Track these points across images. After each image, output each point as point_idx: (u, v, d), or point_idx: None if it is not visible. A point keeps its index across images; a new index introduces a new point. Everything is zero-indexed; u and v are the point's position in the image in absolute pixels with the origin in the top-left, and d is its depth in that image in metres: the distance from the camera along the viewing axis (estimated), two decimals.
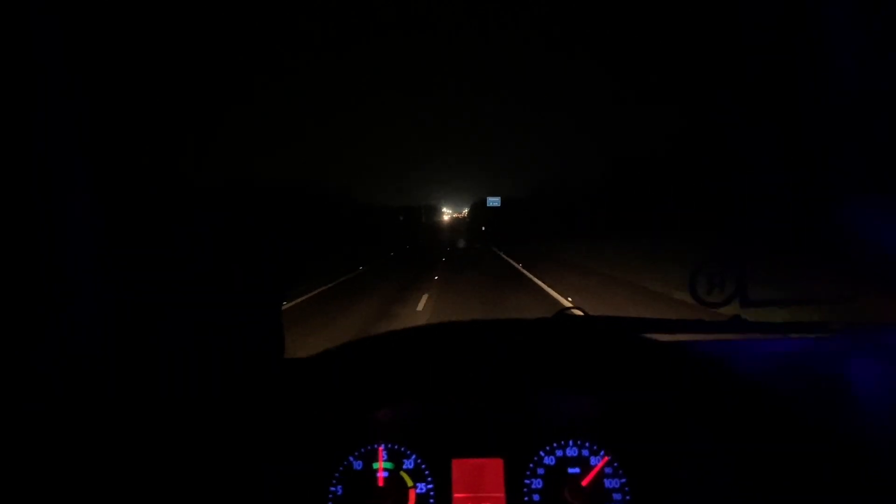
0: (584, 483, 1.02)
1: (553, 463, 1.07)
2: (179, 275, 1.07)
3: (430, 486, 1.06)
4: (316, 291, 13.17)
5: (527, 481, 1.05)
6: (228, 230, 1.17)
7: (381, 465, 1.08)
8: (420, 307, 10.16)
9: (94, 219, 0.94)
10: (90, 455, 0.91)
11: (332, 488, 1.07)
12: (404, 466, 1.08)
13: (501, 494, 1.04)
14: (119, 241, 0.99)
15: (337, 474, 1.08)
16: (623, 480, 1.04)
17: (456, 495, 1.05)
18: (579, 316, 1.29)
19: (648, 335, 1.26)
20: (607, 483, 1.04)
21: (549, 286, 11.86)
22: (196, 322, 1.10)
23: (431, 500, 1.05)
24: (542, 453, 1.07)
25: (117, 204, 0.97)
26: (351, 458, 1.09)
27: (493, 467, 1.07)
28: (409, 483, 1.07)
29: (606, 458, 1.05)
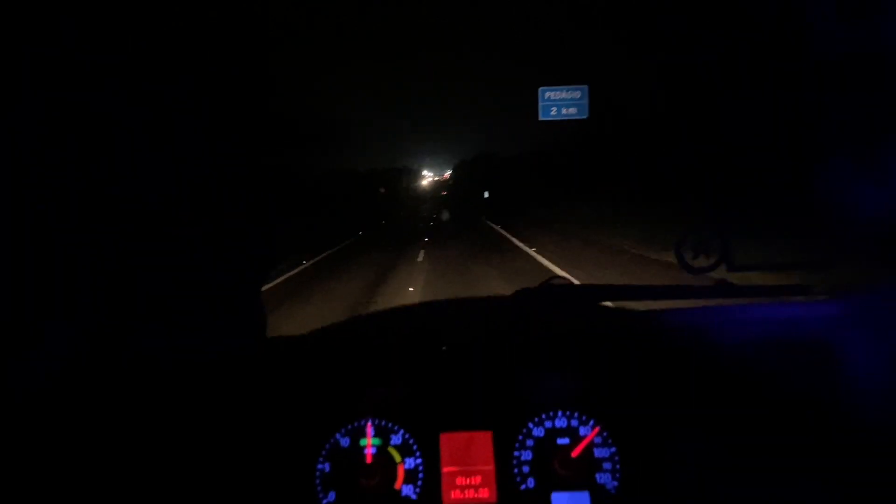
0: (574, 454, 1.02)
1: (542, 434, 1.06)
2: (160, 257, 1.03)
3: (418, 461, 1.05)
4: None
5: (516, 453, 1.05)
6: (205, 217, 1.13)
7: (370, 442, 1.06)
8: None
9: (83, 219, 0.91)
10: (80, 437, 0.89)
11: (320, 465, 1.05)
12: (392, 442, 1.07)
13: (491, 467, 1.04)
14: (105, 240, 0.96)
15: (324, 451, 1.06)
16: (613, 450, 1.04)
17: (445, 469, 1.04)
18: (565, 285, 1.27)
19: (635, 303, 1.25)
20: (597, 452, 1.04)
21: None
22: (178, 304, 1.06)
23: (420, 475, 1.04)
24: (530, 425, 1.06)
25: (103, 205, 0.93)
26: (338, 436, 1.07)
27: (482, 440, 1.06)
28: (398, 459, 1.05)
29: (597, 429, 1.04)
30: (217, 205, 1.16)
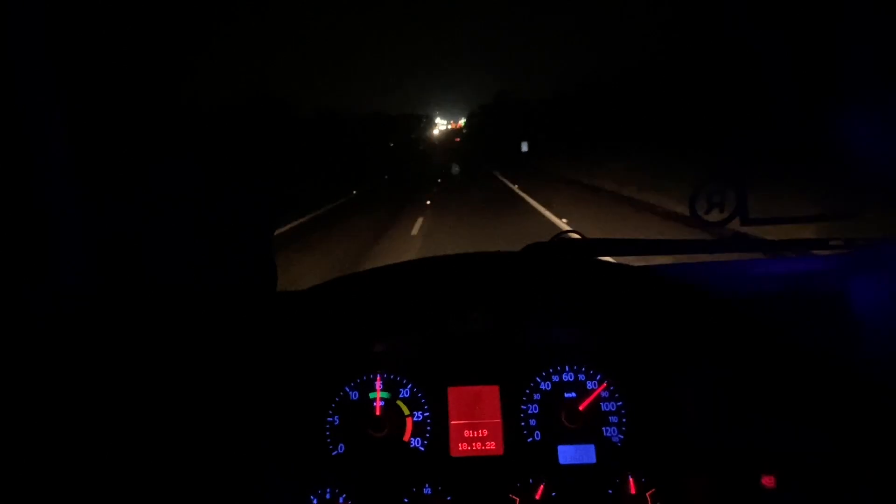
0: (582, 407, 1.02)
1: (549, 388, 1.06)
2: (166, 211, 1.02)
3: (426, 414, 1.06)
4: None
5: (523, 407, 1.05)
6: (212, 167, 1.11)
7: (378, 395, 1.07)
8: None
9: (71, 156, 0.89)
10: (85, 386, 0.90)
11: (329, 418, 1.07)
12: (401, 395, 1.08)
13: (498, 420, 1.05)
14: (101, 177, 0.94)
15: (333, 405, 1.07)
16: (619, 404, 1.04)
17: (453, 422, 1.06)
18: (577, 239, 1.25)
19: (647, 258, 1.23)
20: (604, 406, 1.04)
21: None
22: (186, 256, 1.05)
23: (429, 428, 1.06)
24: (538, 379, 1.07)
25: (97, 141, 0.91)
26: (347, 389, 1.08)
27: (490, 394, 1.07)
28: (406, 412, 1.07)
29: (605, 384, 1.05)
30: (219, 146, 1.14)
